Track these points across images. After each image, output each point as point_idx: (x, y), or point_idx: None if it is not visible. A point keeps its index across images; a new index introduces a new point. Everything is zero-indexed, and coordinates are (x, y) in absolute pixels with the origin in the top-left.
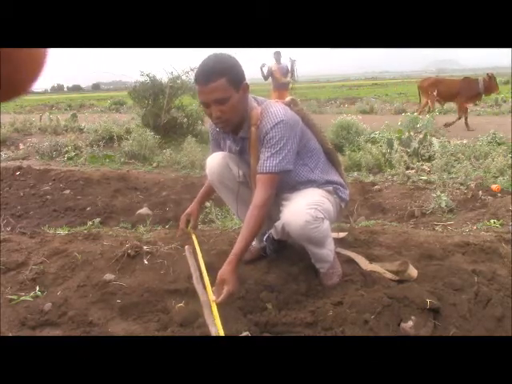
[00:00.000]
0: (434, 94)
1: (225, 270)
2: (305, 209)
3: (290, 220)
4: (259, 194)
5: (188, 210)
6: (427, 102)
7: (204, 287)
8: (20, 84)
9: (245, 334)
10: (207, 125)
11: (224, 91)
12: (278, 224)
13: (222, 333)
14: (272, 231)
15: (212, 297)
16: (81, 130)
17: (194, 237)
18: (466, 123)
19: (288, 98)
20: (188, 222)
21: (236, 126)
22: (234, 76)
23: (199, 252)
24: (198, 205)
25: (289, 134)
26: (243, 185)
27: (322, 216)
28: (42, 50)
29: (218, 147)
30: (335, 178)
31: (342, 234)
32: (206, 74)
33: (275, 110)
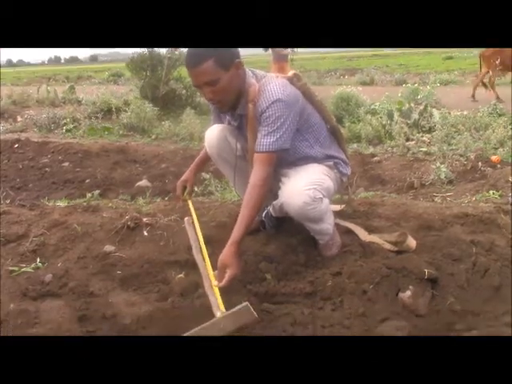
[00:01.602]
0: (497, 62)
1: (226, 254)
2: (303, 189)
3: (288, 201)
4: (256, 174)
5: (183, 177)
6: (487, 72)
7: (203, 258)
8: None
9: (244, 304)
10: None
11: (212, 73)
12: (277, 203)
13: (222, 307)
14: (270, 208)
15: (214, 282)
16: (79, 102)
17: (190, 203)
18: None
19: (291, 73)
20: (184, 188)
21: (233, 104)
22: (221, 56)
23: (196, 219)
24: (193, 172)
25: (286, 113)
26: (241, 158)
27: (321, 195)
28: None
29: (219, 119)
30: (336, 153)
31: (338, 207)
32: (193, 57)
33: (273, 87)
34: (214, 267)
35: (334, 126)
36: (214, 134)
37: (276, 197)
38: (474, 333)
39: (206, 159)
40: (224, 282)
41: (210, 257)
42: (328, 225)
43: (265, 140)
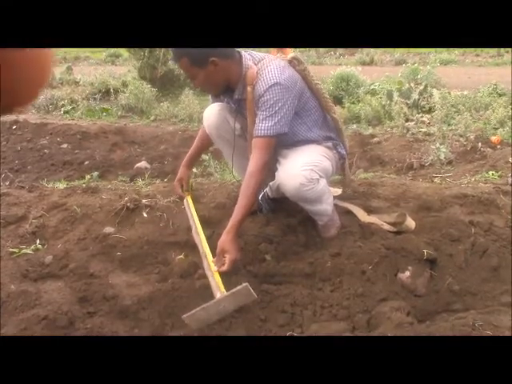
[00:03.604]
0: None
1: (224, 240)
2: (300, 170)
3: (284, 182)
4: (255, 160)
5: (178, 175)
6: None
7: (202, 241)
8: (22, 93)
9: (244, 284)
10: None
11: (188, 70)
12: (274, 184)
13: (222, 289)
14: (267, 189)
15: (214, 267)
16: (76, 83)
17: (189, 200)
18: None
19: (290, 55)
20: (182, 186)
21: (223, 91)
22: (195, 55)
23: (195, 214)
24: (186, 169)
25: (285, 97)
26: (240, 137)
27: (318, 176)
28: (45, 51)
29: (218, 97)
30: (334, 135)
31: (339, 191)
32: (173, 55)
33: (270, 70)
34: (214, 249)
35: (334, 118)
36: (212, 112)
37: (274, 177)
38: (473, 313)
39: (200, 151)
40: (225, 267)
41: (209, 238)
42: (326, 205)
43: (262, 124)
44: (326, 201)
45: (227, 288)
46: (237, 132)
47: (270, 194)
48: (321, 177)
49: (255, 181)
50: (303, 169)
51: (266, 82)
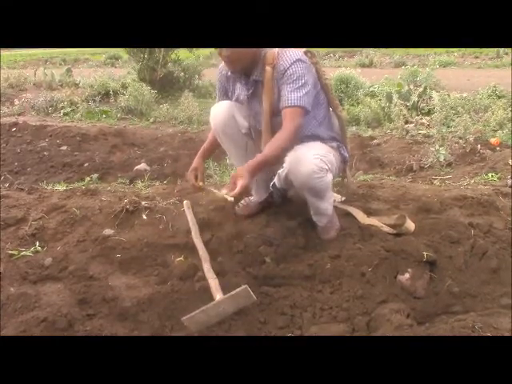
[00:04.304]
0: None
1: (240, 169)
2: (311, 158)
3: (294, 168)
4: (288, 124)
5: (193, 164)
6: None
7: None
8: None
9: (243, 287)
10: (218, 69)
11: None
12: (282, 172)
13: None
14: (275, 179)
15: (224, 192)
16: (76, 85)
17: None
18: None
19: (304, 49)
20: (196, 176)
21: (247, 69)
22: None
23: (218, 194)
24: (201, 159)
25: (307, 75)
26: (247, 137)
27: (327, 167)
28: None
29: (225, 95)
30: (338, 137)
31: (339, 197)
32: None
33: (292, 51)
34: (213, 251)
35: (340, 117)
36: (220, 109)
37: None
38: (472, 315)
39: (214, 146)
40: (235, 191)
41: (209, 241)
42: (328, 204)
43: (293, 95)
44: (328, 199)
45: (227, 290)
46: (243, 130)
47: (277, 183)
48: (329, 169)
49: (285, 137)
50: (315, 157)
51: (290, 58)
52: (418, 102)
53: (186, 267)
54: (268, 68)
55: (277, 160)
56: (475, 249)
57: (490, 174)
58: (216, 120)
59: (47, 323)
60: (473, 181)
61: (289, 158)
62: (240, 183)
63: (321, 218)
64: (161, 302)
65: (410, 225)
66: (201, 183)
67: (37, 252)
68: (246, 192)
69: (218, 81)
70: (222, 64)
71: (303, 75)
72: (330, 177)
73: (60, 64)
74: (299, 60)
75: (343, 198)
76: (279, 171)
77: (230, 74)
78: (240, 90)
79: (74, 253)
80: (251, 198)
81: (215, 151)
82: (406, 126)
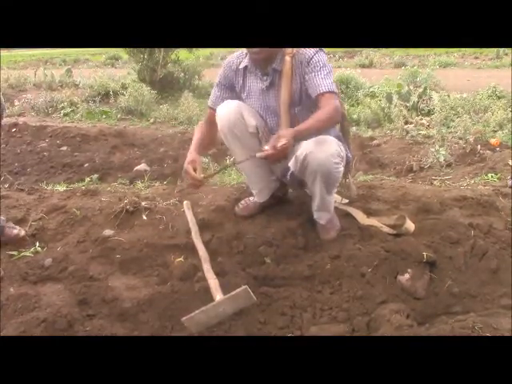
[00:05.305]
0: None
1: (287, 131)
2: (334, 142)
3: (315, 149)
4: (328, 104)
5: (190, 158)
6: None
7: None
8: None
9: (243, 287)
10: (224, 63)
11: None
12: (300, 154)
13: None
14: (291, 163)
15: (264, 149)
16: (76, 86)
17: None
18: None
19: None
20: (195, 169)
21: (269, 58)
22: None
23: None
24: (196, 152)
25: (329, 65)
26: (253, 136)
27: (343, 155)
28: None
29: (229, 90)
30: (342, 138)
31: (339, 198)
32: None
33: None
34: (213, 251)
35: (344, 115)
36: (229, 110)
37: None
38: (472, 315)
39: (207, 140)
40: (274, 149)
41: (209, 241)
42: (332, 200)
43: (325, 81)
44: (333, 194)
45: (227, 291)
46: (250, 129)
47: (292, 167)
48: (342, 160)
49: (329, 113)
50: (336, 143)
51: (312, 48)
52: (417, 102)
53: (185, 268)
54: (287, 58)
55: (317, 132)
56: (475, 249)
57: (489, 175)
58: (224, 121)
59: (47, 324)
60: (473, 181)
61: (308, 142)
62: (283, 142)
63: (322, 215)
64: (161, 302)
65: (410, 225)
66: (202, 176)
67: (37, 252)
68: (283, 156)
69: (222, 75)
70: (230, 58)
71: (326, 65)
72: (342, 169)
73: (60, 64)
74: (321, 50)
75: (346, 201)
76: (297, 153)
77: (241, 67)
78: (254, 83)
79: (74, 253)
80: (251, 199)
81: (210, 148)
82: (406, 126)
